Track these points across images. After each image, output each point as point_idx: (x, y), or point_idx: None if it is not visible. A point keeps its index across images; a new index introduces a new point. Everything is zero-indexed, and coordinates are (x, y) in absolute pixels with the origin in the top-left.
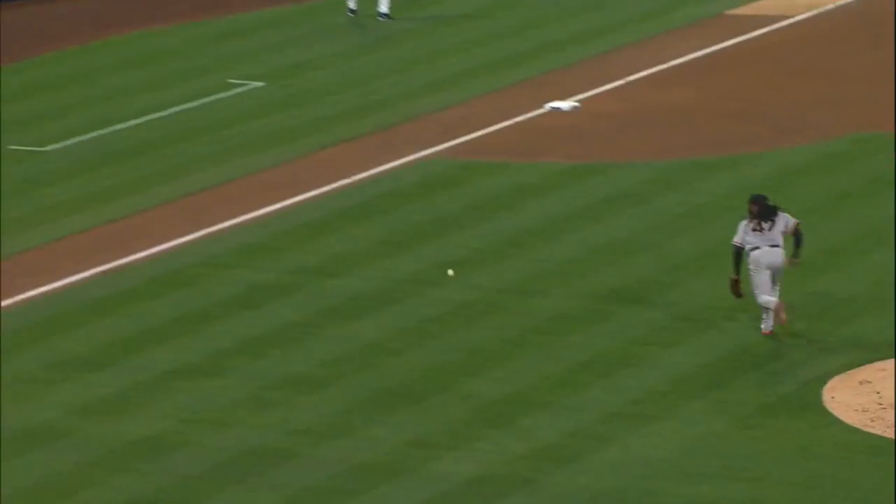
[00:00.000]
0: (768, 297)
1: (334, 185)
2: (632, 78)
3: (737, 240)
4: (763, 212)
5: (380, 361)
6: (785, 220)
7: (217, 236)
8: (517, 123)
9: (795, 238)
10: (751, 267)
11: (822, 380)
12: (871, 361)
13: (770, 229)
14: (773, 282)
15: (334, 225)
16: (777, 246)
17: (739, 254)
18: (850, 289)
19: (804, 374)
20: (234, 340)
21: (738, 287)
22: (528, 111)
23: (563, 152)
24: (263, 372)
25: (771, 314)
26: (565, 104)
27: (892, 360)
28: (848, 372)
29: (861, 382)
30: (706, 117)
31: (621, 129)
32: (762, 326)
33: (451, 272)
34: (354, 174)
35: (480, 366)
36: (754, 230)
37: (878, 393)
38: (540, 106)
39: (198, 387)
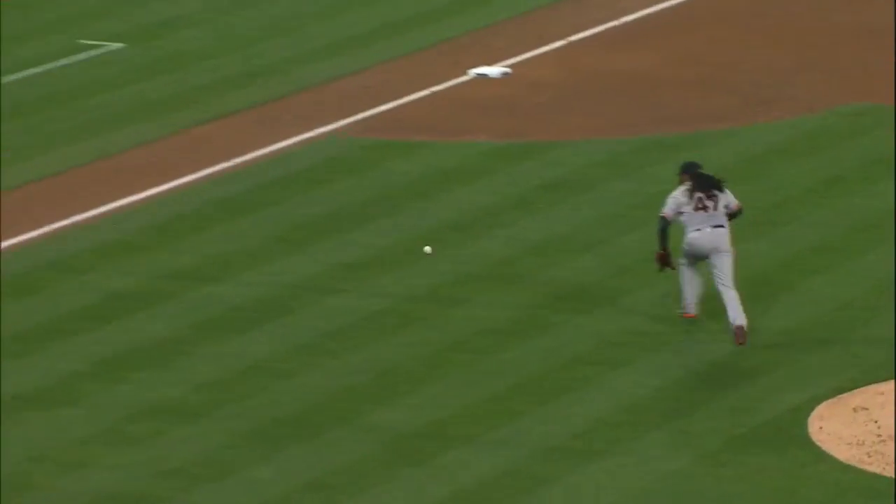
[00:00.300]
0: (689, 298)
1: (211, 170)
2: (575, 38)
3: (666, 212)
4: (701, 183)
5: (267, 386)
6: (727, 197)
7: (67, 233)
8: (435, 94)
9: (735, 213)
10: (685, 252)
11: (808, 406)
12: (867, 383)
13: (715, 206)
14: (723, 273)
15: (212, 219)
16: (721, 226)
17: (666, 229)
18: (842, 294)
19: (785, 398)
20: (88, 361)
21: (669, 259)
22: (447, 79)
23: (491, 129)
24: (124, 400)
25: (692, 303)
26: (493, 70)
27: (893, 382)
28: (839, 396)
29: (855, 409)
30: (665, 86)
31: (562, 101)
32: (685, 308)
33: (428, 249)
34: (236, 156)
35: (391, 391)
36: (697, 209)
37: (876, 422)
38: (463, 73)
39: (43, 418)
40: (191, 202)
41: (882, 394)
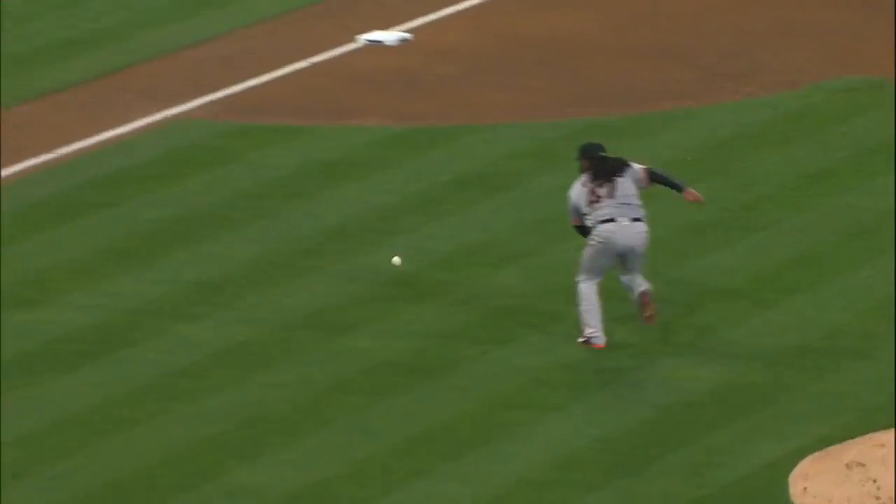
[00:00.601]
0: (594, 325)
1: (27, 164)
2: None
3: (573, 219)
4: (600, 170)
5: (99, 439)
6: (633, 175)
7: None
8: (315, 66)
9: (660, 180)
10: (592, 244)
11: (789, 461)
12: (862, 432)
13: (611, 194)
14: (631, 270)
15: (27, 226)
16: (639, 220)
17: (588, 232)
18: (831, 318)
19: (760, 450)
20: None
21: None
22: (331, 47)
23: (386, 110)
24: None
25: (598, 328)
26: (389, 36)
27: (894, 432)
28: (828, 449)
29: (848, 465)
30: (606, 56)
31: (475, 75)
32: (591, 338)
33: (396, 260)
34: (59, 146)
35: (257, 443)
36: (592, 202)
37: (875, 482)
38: (351, 39)
39: None
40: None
41: (882, 445)
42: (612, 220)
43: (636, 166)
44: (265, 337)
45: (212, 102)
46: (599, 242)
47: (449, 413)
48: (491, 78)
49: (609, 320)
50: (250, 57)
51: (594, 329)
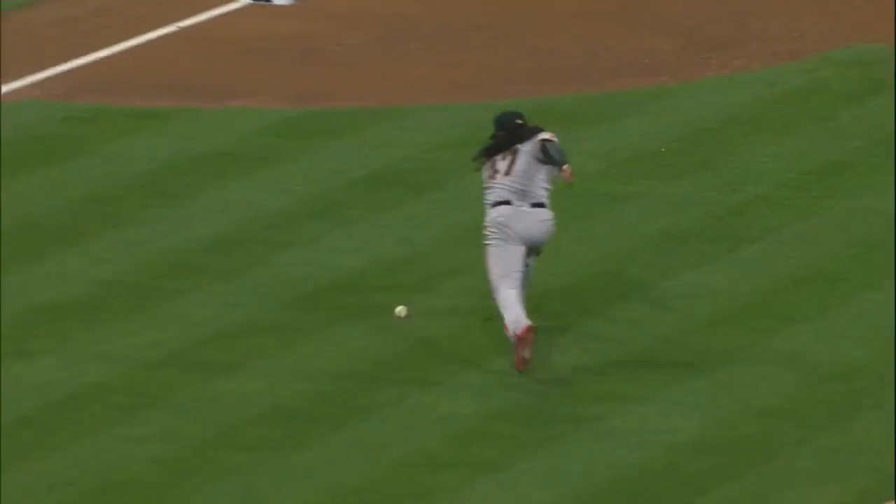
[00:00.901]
0: (517, 310)
1: None
2: None
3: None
4: (505, 140)
5: None
6: (536, 152)
7: None
8: (184, 32)
9: (546, 155)
10: (491, 235)
11: None
12: (883, 499)
13: (509, 170)
14: (525, 266)
15: None
16: (541, 205)
17: None
18: (842, 354)
19: None
20: None
21: None
22: (206, 8)
23: (279, 89)
24: None
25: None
26: None
27: None
28: None
29: None
30: (562, 20)
31: (392, 44)
32: (515, 327)
33: (401, 310)
34: None
35: None
36: (491, 177)
37: None
38: None
39: None
40: None
41: None
42: (506, 202)
43: (539, 136)
44: (123, 378)
45: (53, 78)
46: (494, 232)
47: (359, 474)
48: (412, 48)
49: (563, 356)
50: (103, 21)
51: (516, 315)
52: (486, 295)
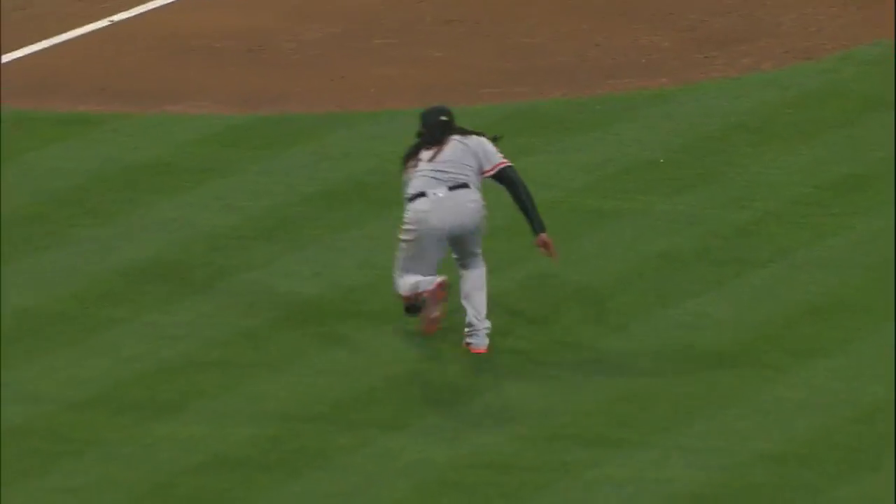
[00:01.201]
0: (420, 277)
1: None
2: None
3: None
4: (431, 135)
5: None
6: (480, 149)
7: None
8: (119, 27)
9: (514, 193)
10: (407, 232)
11: None
12: None
13: (434, 157)
14: (464, 258)
15: None
16: (465, 185)
17: None
18: (865, 395)
19: None
20: None
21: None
22: (140, 0)
23: (224, 91)
24: None
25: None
26: None
27: None
28: None
29: None
30: (546, 13)
31: (354, 40)
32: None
33: None
34: None
35: None
36: (409, 166)
37: None
38: None
39: None
40: None
41: None
42: (422, 193)
43: (491, 148)
44: (46, 421)
45: None
46: (411, 230)
47: None
48: (375, 45)
49: (548, 394)
50: (26, 14)
51: (419, 279)
52: (460, 326)
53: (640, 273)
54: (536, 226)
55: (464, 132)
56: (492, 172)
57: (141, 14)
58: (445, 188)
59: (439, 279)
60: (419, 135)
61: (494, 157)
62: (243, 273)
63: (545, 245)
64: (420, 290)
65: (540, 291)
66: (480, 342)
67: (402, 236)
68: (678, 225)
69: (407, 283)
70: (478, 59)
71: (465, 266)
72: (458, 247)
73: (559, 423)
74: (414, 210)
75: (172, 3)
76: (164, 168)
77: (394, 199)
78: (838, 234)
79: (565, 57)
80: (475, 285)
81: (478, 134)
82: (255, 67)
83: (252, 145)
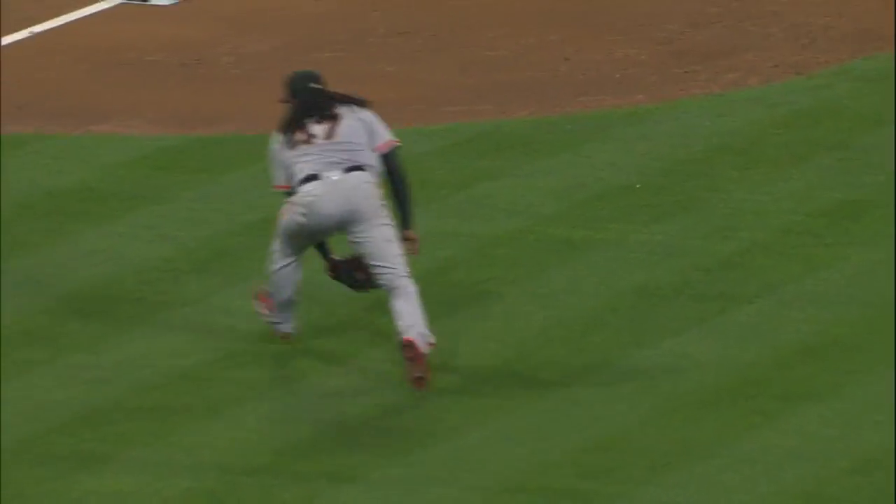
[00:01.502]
0: (286, 320)
1: None
2: None
3: (280, 182)
4: (311, 104)
5: None
6: (368, 123)
7: None
8: (40, 39)
9: (394, 179)
10: (289, 230)
11: None
12: None
13: (329, 135)
14: (372, 254)
15: None
16: (360, 168)
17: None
18: (864, 443)
19: None
20: None
21: (343, 264)
22: (65, 9)
23: (156, 110)
24: None
25: (287, 318)
26: None
27: None
28: None
29: None
30: (514, 24)
31: (302, 53)
32: (280, 328)
33: None
34: None
35: None
36: (297, 141)
37: None
38: None
39: None
40: None
41: None
42: (314, 176)
43: (384, 126)
44: None
45: None
46: (300, 212)
47: None
48: (323, 59)
49: (513, 444)
50: None
51: (285, 315)
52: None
53: (613, 309)
54: (409, 220)
55: (350, 101)
56: (383, 151)
57: (64, 24)
58: (340, 171)
59: (287, 331)
60: (291, 104)
61: (386, 134)
62: (177, 309)
63: (412, 240)
64: (276, 326)
65: (503, 330)
66: (415, 325)
67: (284, 222)
68: (656, 257)
69: (272, 303)
70: (435, 75)
71: (389, 274)
72: (368, 240)
73: (523, 475)
74: (304, 193)
75: (99, 12)
76: (90, 194)
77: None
78: (832, 267)
79: (532, 72)
80: (402, 295)
81: (361, 103)
82: (189, 83)
83: (187, 169)
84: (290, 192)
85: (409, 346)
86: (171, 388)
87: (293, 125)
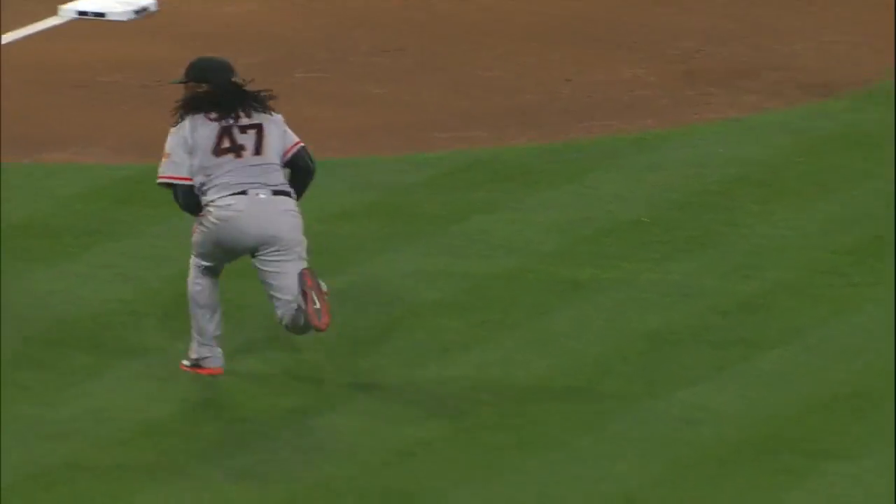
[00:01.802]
0: (210, 341)
1: None
2: None
3: (179, 173)
4: (230, 100)
5: None
6: (281, 127)
7: None
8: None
9: (296, 180)
10: (204, 227)
11: None
12: None
13: (258, 149)
14: (284, 283)
15: None
16: (283, 192)
17: (196, 205)
18: (874, 491)
19: None
20: None
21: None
22: (15, 25)
23: (117, 137)
24: None
25: (214, 351)
26: (116, 4)
27: None
28: None
29: None
30: (509, 41)
31: (277, 73)
32: (203, 361)
33: None
34: None
35: None
36: (223, 151)
37: None
38: (52, 11)
39: None
40: None
41: None
42: (243, 191)
43: (287, 130)
44: None
45: None
46: (215, 224)
47: None
48: (301, 80)
49: (504, 499)
50: None
51: (209, 347)
52: (397, 419)
53: (623, 357)
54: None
55: (264, 104)
56: (293, 153)
57: (12, 42)
58: (268, 192)
59: (217, 368)
60: (199, 89)
61: (292, 136)
62: (139, 357)
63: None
64: (193, 359)
65: (500, 379)
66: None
67: (199, 228)
68: (670, 298)
69: (197, 327)
70: (426, 97)
71: (289, 321)
72: (279, 269)
73: None
74: (224, 206)
75: (49, 28)
76: (42, 230)
77: (328, 265)
78: (861, 310)
79: (532, 94)
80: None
81: (267, 104)
82: (151, 107)
83: (149, 202)
84: (185, 191)
85: (306, 274)
86: (134, 444)
87: (202, 109)
